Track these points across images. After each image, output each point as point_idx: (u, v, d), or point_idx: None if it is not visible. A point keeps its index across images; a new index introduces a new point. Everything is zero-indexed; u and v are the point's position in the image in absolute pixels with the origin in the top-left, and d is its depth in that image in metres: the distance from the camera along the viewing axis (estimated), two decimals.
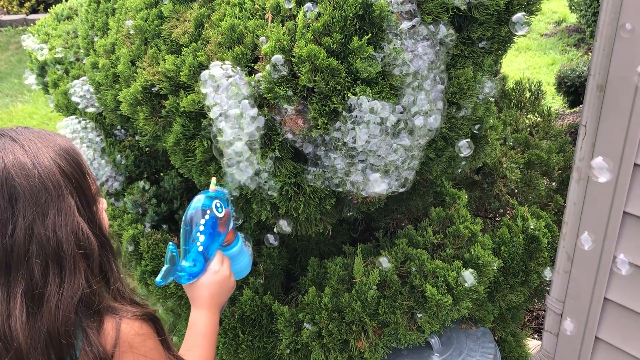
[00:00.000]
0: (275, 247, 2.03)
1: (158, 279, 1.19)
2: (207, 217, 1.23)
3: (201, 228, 1.22)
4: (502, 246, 2.05)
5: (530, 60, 5.99)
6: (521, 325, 2.45)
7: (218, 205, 1.25)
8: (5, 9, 8.61)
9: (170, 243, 1.20)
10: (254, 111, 1.37)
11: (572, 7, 5.96)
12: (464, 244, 1.97)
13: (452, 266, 1.86)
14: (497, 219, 2.45)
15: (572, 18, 6.62)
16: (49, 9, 2.80)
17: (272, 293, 1.98)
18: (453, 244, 1.96)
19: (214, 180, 1.29)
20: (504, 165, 2.19)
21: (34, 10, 8.55)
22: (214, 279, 1.23)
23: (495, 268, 1.94)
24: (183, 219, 1.25)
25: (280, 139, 1.42)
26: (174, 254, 1.19)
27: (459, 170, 1.80)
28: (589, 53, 5.69)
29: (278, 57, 1.30)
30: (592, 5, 5.30)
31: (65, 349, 0.90)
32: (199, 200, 1.26)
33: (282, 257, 2.06)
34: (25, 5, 8.44)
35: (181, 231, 1.24)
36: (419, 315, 1.81)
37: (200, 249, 1.22)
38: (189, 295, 1.25)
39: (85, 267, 0.93)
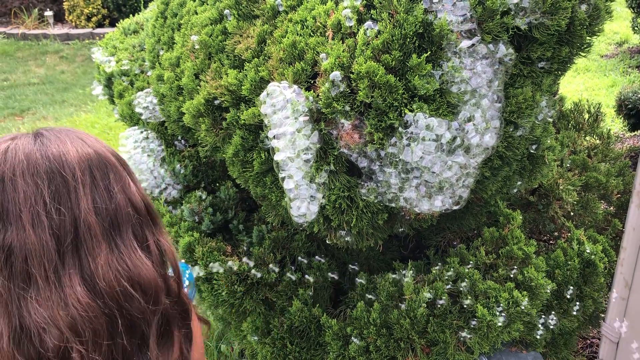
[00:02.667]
0: (325, 260, 2.05)
1: None
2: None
3: None
4: (557, 269, 2.01)
5: (589, 82, 5.85)
6: (574, 352, 2.38)
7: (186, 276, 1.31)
8: (73, 23, 9.04)
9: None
10: (311, 126, 1.41)
11: (635, 28, 5.80)
12: (517, 266, 1.94)
13: (505, 287, 1.84)
14: (551, 241, 2.40)
15: (635, 39, 6.43)
16: (116, 24, 2.94)
17: (320, 305, 2.00)
18: (506, 264, 1.93)
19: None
20: (561, 187, 2.15)
21: (100, 25, 8.94)
22: None
23: (548, 291, 1.90)
24: None
25: (335, 153, 1.45)
26: None
27: (515, 190, 1.78)
28: None
29: (336, 74, 1.33)
30: None
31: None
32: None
33: (332, 270, 2.08)
34: (92, 20, 8.84)
35: None
36: (469, 336, 1.79)
37: None
38: None
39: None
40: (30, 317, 0.86)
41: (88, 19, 8.88)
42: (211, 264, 1.86)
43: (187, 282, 1.30)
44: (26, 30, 9.06)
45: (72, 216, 0.89)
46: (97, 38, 8.56)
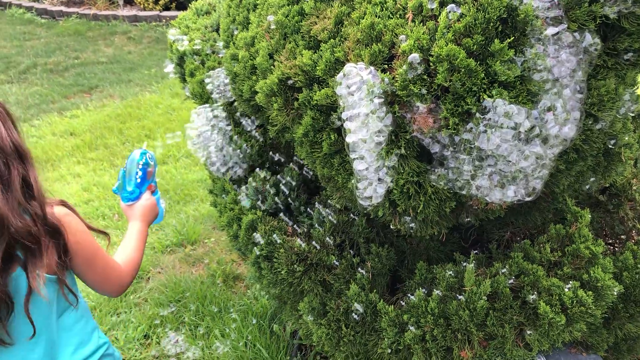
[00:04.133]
0: (384, 247, 2.05)
1: (113, 189, 1.84)
2: (142, 163, 1.80)
3: (139, 171, 1.79)
4: (625, 272, 1.95)
5: None
6: (637, 359, 2.30)
7: (149, 157, 1.83)
8: (142, 6, 9.29)
9: (121, 169, 1.82)
10: (385, 108, 1.40)
11: None
12: (583, 265, 1.88)
13: (569, 285, 1.79)
14: (619, 243, 2.32)
15: None
16: (183, 7, 3.01)
17: (377, 291, 2.01)
18: (571, 263, 1.88)
19: (145, 144, 2.04)
20: (634, 188, 2.07)
21: (167, 8, 9.16)
22: (145, 203, 1.79)
23: (615, 294, 1.84)
24: (127, 160, 1.82)
25: (407, 137, 1.45)
26: (123, 179, 1.80)
27: (587, 187, 1.73)
28: None
29: (415, 56, 1.33)
30: None
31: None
32: (137, 151, 1.83)
33: (390, 258, 2.08)
34: (159, 2, 9.06)
35: (125, 168, 1.82)
36: (529, 332, 1.76)
37: (139, 180, 1.79)
38: (126, 214, 1.80)
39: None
40: None
41: (156, 1, 9.11)
42: (274, 235, 1.89)
43: (150, 164, 1.83)
44: (97, 11, 9.38)
45: None
46: (164, 20, 8.77)
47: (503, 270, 1.85)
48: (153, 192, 1.86)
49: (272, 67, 1.73)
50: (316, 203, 2.18)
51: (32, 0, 10.40)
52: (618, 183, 2.11)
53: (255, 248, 2.01)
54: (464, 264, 1.93)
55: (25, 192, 1.26)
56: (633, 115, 1.63)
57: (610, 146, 1.61)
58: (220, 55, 2.32)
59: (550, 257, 1.91)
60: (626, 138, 1.68)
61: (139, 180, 1.80)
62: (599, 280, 1.82)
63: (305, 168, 2.23)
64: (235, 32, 1.98)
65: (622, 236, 2.25)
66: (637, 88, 1.61)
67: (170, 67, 2.61)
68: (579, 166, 1.57)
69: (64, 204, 1.41)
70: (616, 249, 2.29)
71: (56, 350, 1.39)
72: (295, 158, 2.28)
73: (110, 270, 1.51)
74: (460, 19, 1.29)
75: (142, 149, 1.84)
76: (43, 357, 1.36)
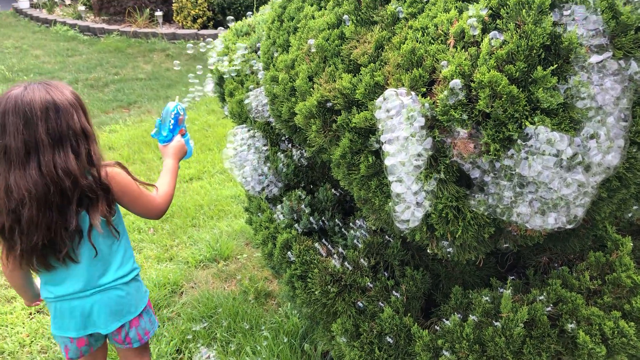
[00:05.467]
0: (419, 270, 2.04)
1: (152, 134, 2.26)
2: (174, 113, 2.22)
3: (172, 120, 2.21)
4: None
5: None
6: None
7: (179, 109, 2.24)
8: (180, 24, 9.51)
9: (157, 119, 2.23)
10: (425, 132, 1.41)
11: None
12: (624, 294, 1.84)
13: (610, 315, 1.75)
14: None
15: None
16: (224, 24, 3.07)
17: (412, 315, 1.99)
18: (612, 292, 1.84)
19: (177, 97, 2.36)
20: None
21: (204, 26, 9.36)
22: (176, 145, 2.22)
23: None
24: (163, 111, 2.24)
25: (447, 161, 1.45)
26: (160, 126, 2.23)
27: (629, 215, 1.69)
28: None
29: (456, 82, 1.33)
30: None
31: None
32: (171, 103, 2.24)
33: (425, 282, 2.06)
34: (197, 21, 9.27)
35: (161, 117, 2.24)
36: None
37: (171, 127, 2.21)
38: (162, 152, 2.24)
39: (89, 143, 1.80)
40: (10, 181, 1.69)
41: (194, 20, 9.32)
42: (308, 255, 1.90)
43: (181, 113, 2.25)
44: (137, 28, 9.63)
45: (33, 135, 1.68)
46: (201, 39, 8.95)
47: (541, 298, 1.82)
48: (183, 135, 2.29)
49: (311, 89, 1.75)
50: (351, 223, 2.19)
51: (76, 17, 10.75)
52: None
53: (289, 267, 2.02)
54: (501, 289, 1.90)
55: (89, 161, 1.77)
56: None
57: None
58: (260, 76, 2.36)
59: (590, 285, 1.87)
60: None
61: (171, 126, 2.23)
62: None
63: (340, 189, 2.24)
64: (276, 55, 2.02)
65: None
66: None
67: (210, 86, 2.66)
68: (622, 194, 1.54)
69: (118, 164, 1.93)
70: None
71: (107, 266, 1.97)
72: (330, 178, 2.29)
73: (149, 205, 2.02)
74: (503, 46, 1.30)
75: (175, 102, 2.27)
76: (99, 270, 1.96)
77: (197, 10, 9.19)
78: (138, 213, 2.03)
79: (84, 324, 2.00)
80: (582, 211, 1.40)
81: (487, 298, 1.86)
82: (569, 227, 1.41)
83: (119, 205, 1.98)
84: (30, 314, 3.30)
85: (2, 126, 1.68)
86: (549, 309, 1.79)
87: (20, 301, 3.37)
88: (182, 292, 3.51)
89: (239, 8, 8.89)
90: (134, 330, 2.11)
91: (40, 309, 3.32)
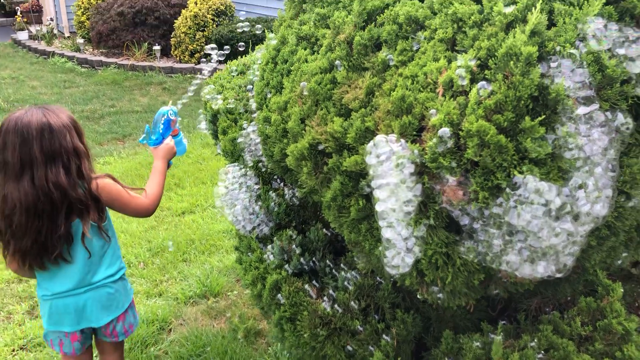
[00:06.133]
0: (410, 313, 2.02)
1: (140, 139, 2.41)
2: (165, 117, 2.37)
3: (161, 124, 2.36)
4: None
5: None
6: None
7: (171, 113, 2.38)
8: (178, 58, 9.62)
9: (146, 125, 2.38)
10: (415, 179, 1.42)
11: None
12: (616, 341, 1.83)
13: None
14: None
15: None
16: (220, 60, 3.11)
17: (402, 359, 1.97)
18: (603, 339, 1.83)
19: (170, 102, 2.49)
20: None
21: (201, 61, 9.46)
22: (165, 147, 2.38)
23: None
24: (155, 115, 2.40)
25: (436, 208, 1.45)
26: (148, 131, 2.38)
27: (619, 262, 1.70)
28: None
29: (445, 130, 1.34)
30: None
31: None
32: (164, 108, 2.40)
33: (416, 325, 2.05)
34: (194, 56, 9.38)
35: (152, 121, 2.40)
36: None
37: (161, 130, 2.37)
38: (153, 153, 2.39)
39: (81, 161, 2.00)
40: (5, 191, 1.92)
41: (191, 54, 9.42)
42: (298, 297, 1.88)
43: (172, 117, 2.39)
44: (135, 61, 9.72)
45: (29, 152, 1.89)
46: (198, 73, 9.03)
47: (532, 344, 1.80)
48: (176, 135, 2.47)
49: (303, 131, 1.76)
50: (342, 264, 2.18)
51: (74, 50, 10.86)
52: None
53: (278, 309, 2.00)
54: (492, 335, 1.88)
55: (78, 175, 1.97)
56: None
57: None
58: (254, 116, 2.38)
59: (581, 332, 1.86)
60: None
61: (161, 130, 2.39)
62: (633, 359, 1.76)
63: (331, 229, 2.24)
64: (269, 95, 2.04)
65: None
66: None
67: (203, 124, 2.68)
68: (611, 242, 1.55)
69: (109, 175, 2.14)
70: None
71: (98, 266, 2.17)
72: (322, 217, 2.29)
73: (139, 208, 2.22)
74: (491, 96, 1.31)
75: (167, 107, 2.43)
76: (90, 269, 2.15)
77: (194, 45, 9.31)
78: (130, 215, 2.32)
79: (78, 319, 2.20)
80: (572, 260, 1.40)
81: (478, 343, 1.85)
82: (558, 275, 1.40)
83: (109, 210, 2.23)
84: (13, 350, 3.24)
85: (3, 144, 1.94)
86: (540, 355, 1.77)
87: (4, 336, 3.32)
88: (170, 329, 3.46)
89: (236, 44, 9.02)
90: (120, 324, 2.31)
91: (23, 345, 3.26)
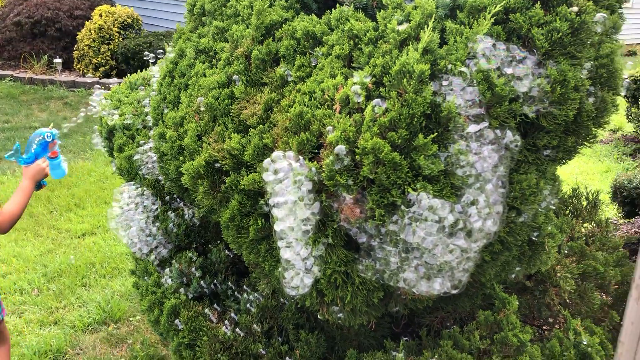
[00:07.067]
0: (314, 333, 1.98)
1: (6, 155, 2.35)
2: (40, 138, 2.32)
3: (34, 145, 2.32)
4: None
5: (584, 166, 5.92)
6: None
7: (48, 135, 2.33)
8: (81, 72, 9.18)
9: (17, 142, 2.33)
10: (312, 196, 1.38)
11: (630, 117, 5.93)
12: (512, 353, 1.87)
13: None
14: (544, 327, 2.34)
15: (629, 127, 6.57)
16: (124, 76, 2.97)
17: None
18: (500, 351, 1.87)
19: (51, 125, 2.44)
20: (558, 274, 2.11)
21: (107, 75, 9.08)
22: (36, 167, 2.31)
23: None
24: (32, 135, 2.35)
25: (335, 226, 1.42)
26: (18, 149, 2.31)
27: (513, 275, 1.74)
28: None
29: (341, 148, 1.32)
30: None
31: None
32: (41, 130, 2.35)
33: (320, 345, 2.01)
34: (99, 69, 8.99)
35: (28, 140, 2.34)
36: None
37: (33, 151, 2.31)
38: (23, 172, 2.31)
39: None
40: None
41: (96, 68, 9.03)
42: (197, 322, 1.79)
43: (48, 140, 2.34)
44: (33, 75, 9.18)
45: None
46: (104, 87, 8.66)
47: None
48: (54, 158, 2.40)
49: (200, 148, 1.69)
50: (244, 286, 2.11)
51: None
52: (543, 269, 2.14)
53: (176, 335, 1.90)
54: (394, 352, 1.88)
55: None
56: (554, 207, 1.68)
57: (533, 237, 1.64)
58: (151, 132, 2.27)
59: (480, 345, 1.89)
60: (549, 228, 1.72)
61: (33, 150, 2.33)
62: None
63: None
64: (166, 111, 1.95)
65: (550, 319, 2.28)
66: (556, 181, 1.67)
67: (98, 140, 2.53)
68: (504, 256, 1.59)
69: None
70: (545, 331, 2.31)
71: None
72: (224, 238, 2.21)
73: None
74: (386, 113, 1.31)
75: (46, 128, 2.37)
76: None
77: (99, 59, 8.93)
78: None
79: None
80: (466, 276, 1.41)
81: None
82: (454, 291, 1.41)
83: None
84: None
85: None
86: None
87: None
88: None
89: (144, 58, 8.74)
90: None
91: None
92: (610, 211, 4.78)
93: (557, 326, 2.25)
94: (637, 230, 4.44)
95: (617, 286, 2.34)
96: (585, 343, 2.00)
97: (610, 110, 1.49)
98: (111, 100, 2.65)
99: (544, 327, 2.33)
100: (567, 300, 2.23)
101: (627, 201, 4.04)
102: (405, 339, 1.96)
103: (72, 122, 2.64)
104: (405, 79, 1.30)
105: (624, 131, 6.77)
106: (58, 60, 9.24)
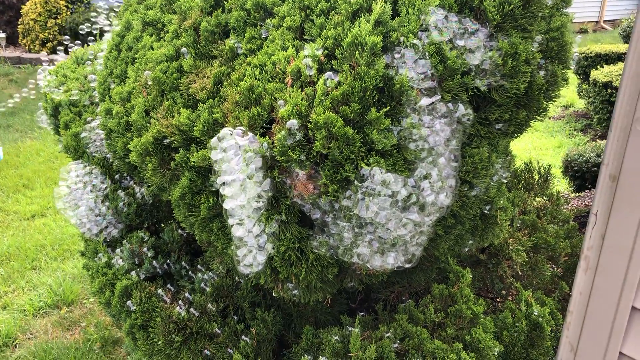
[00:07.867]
0: (270, 311, 1.97)
1: None
2: None
3: None
4: (504, 331, 1.99)
5: (537, 142, 6.04)
6: None
7: None
8: (27, 47, 8.81)
9: None
10: (263, 173, 1.35)
11: (581, 94, 6.07)
12: (466, 325, 1.90)
13: (452, 348, 1.80)
14: (498, 299, 2.39)
15: (580, 104, 6.73)
16: (69, 51, 2.85)
17: (262, 359, 1.90)
18: (454, 324, 1.90)
19: None
20: (510, 247, 2.15)
21: (54, 51, 8.74)
22: None
23: (495, 353, 1.87)
24: None
25: (288, 202, 1.40)
26: None
27: (466, 249, 1.76)
28: (597, 140, 5.74)
29: (293, 122, 1.29)
30: (600, 93, 5.39)
31: None
32: None
33: (276, 323, 1.99)
34: (47, 45, 8.64)
35: None
36: None
37: None
38: None
39: None
40: None
41: (43, 44, 8.68)
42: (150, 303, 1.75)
43: None
44: None
45: None
46: (52, 63, 8.35)
47: (388, 334, 1.82)
48: None
49: (148, 124, 1.63)
50: (199, 265, 2.07)
51: None
52: (496, 242, 2.18)
53: (129, 317, 1.85)
54: (350, 328, 1.88)
55: None
56: (506, 180, 1.69)
57: (486, 211, 1.65)
58: (99, 109, 2.18)
59: (435, 318, 1.91)
60: (501, 202, 1.74)
61: None
62: (481, 341, 1.84)
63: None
64: (112, 86, 1.87)
65: (503, 292, 2.32)
66: (508, 155, 1.68)
67: (43, 118, 2.42)
68: (458, 230, 1.59)
69: None
70: (498, 303, 2.36)
71: None
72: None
73: None
74: (338, 87, 1.28)
75: None
76: None
77: (46, 34, 8.58)
78: None
79: None
80: (420, 250, 1.41)
81: (337, 337, 1.83)
82: (408, 266, 1.41)
83: None
84: None
85: None
86: (396, 345, 1.79)
87: None
88: (15, 345, 3.12)
89: (94, 34, 8.44)
90: None
91: None
92: (561, 185, 4.90)
93: (509, 298, 2.29)
94: (586, 203, 4.58)
95: (567, 258, 2.40)
96: (536, 314, 2.05)
97: (560, 84, 1.50)
98: (56, 76, 2.54)
99: (497, 299, 2.38)
100: (519, 273, 2.27)
101: (577, 175, 4.14)
102: (361, 314, 1.96)
103: (17, 98, 2.43)
104: (357, 52, 1.27)
105: (575, 107, 6.94)
106: (1, 35, 8.85)
